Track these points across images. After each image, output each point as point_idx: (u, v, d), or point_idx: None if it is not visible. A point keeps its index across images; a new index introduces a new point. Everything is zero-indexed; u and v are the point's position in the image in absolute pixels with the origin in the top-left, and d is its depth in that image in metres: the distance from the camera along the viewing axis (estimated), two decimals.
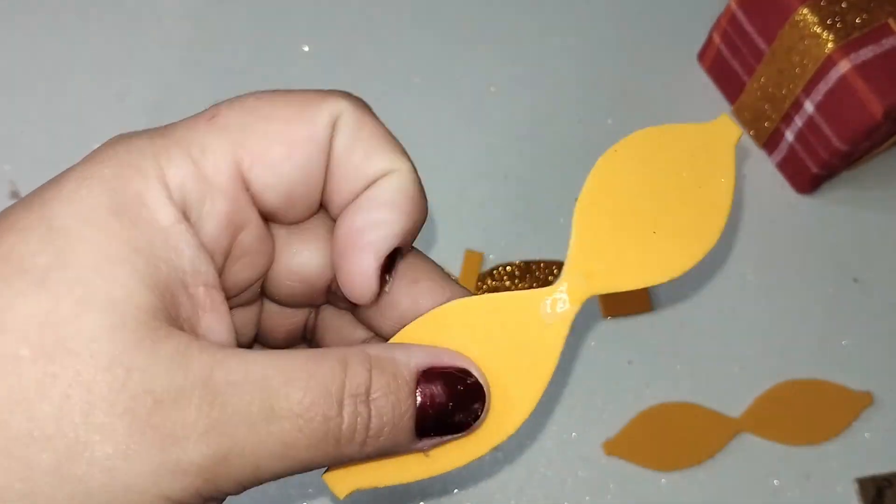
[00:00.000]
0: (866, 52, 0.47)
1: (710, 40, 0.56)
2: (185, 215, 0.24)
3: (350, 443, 0.24)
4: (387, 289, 0.26)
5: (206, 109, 0.25)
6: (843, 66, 0.47)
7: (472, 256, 0.51)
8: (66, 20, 0.56)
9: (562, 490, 0.47)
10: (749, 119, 0.55)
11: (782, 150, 0.54)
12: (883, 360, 0.51)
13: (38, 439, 0.20)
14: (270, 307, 0.30)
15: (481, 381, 0.26)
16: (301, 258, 0.28)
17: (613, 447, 0.48)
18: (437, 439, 0.25)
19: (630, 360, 0.50)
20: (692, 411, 0.49)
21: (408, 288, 0.27)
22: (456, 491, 0.47)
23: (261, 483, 0.23)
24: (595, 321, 0.51)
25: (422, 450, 0.26)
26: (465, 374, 0.25)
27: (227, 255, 0.25)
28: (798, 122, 0.51)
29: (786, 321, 0.52)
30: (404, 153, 0.26)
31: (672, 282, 0.53)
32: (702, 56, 0.57)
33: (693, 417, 0.49)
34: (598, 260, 0.27)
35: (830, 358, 0.51)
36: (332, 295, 0.29)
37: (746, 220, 0.54)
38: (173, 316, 0.23)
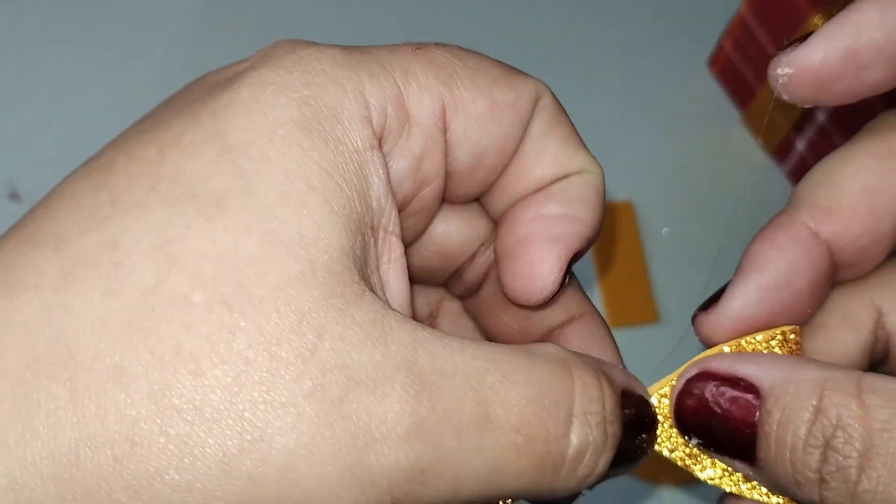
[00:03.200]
0: None
1: (720, 47, 0.55)
2: (380, 143, 0.20)
3: (570, 474, 0.19)
4: (562, 292, 0.23)
5: (406, 43, 0.22)
6: None
7: None
8: (68, 20, 0.56)
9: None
10: (759, 127, 0.54)
11: (793, 159, 0.53)
12: None
13: (207, 417, 0.16)
14: None
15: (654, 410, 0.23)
16: (446, 227, 0.24)
17: None
18: (621, 469, 0.22)
19: (635, 371, 0.50)
20: None
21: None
22: None
23: None
24: None
25: (601, 478, 0.23)
26: (646, 402, 0.24)
27: (405, 206, 0.22)
28: (809, 131, 0.51)
29: None
30: (587, 152, 0.24)
31: (677, 292, 0.52)
32: (712, 62, 0.57)
33: None
34: None
35: None
36: (454, 279, 0.26)
37: (755, 229, 0.53)
38: (361, 265, 0.18)
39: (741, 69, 0.54)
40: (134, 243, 0.17)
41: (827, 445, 0.19)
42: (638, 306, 0.50)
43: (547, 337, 0.24)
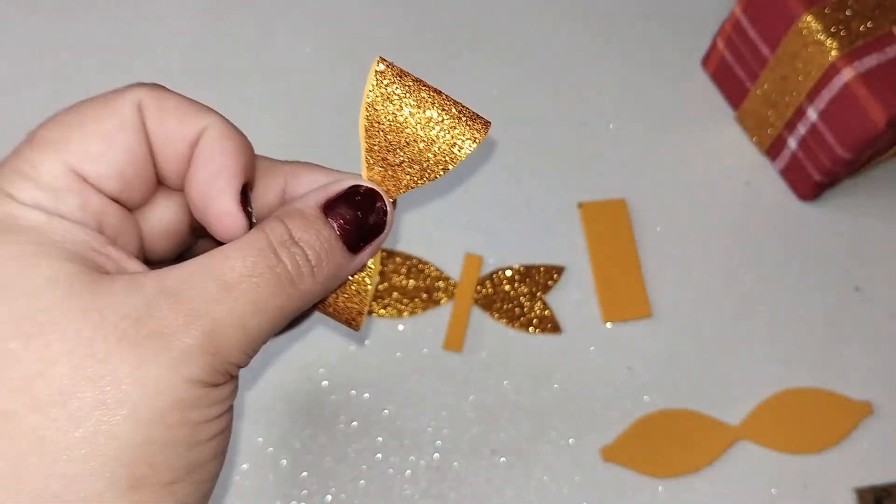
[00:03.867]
0: (870, 61, 0.47)
1: (713, 46, 0.55)
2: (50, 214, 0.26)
3: (301, 276, 0.27)
4: (254, 219, 0.29)
5: (25, 139, 0.28)
6: (847, 74, 0.47)
7: (472, 260, 0.51)
8: (69, 19, 0.56)
9: (559, 496, 0.47)
10: (752, 125, 0.55)
11: (785, 157, 0.54)
12: (883, 369, 0.51)
13: (65, 392, 0.23)
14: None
15: (370, 185, 0.30)
16: (164, 220, 0.30)
17: (611, 453, 0.48)
18: (369, 248, 0.30)
19: (629, 366, 0.50)
20: (690, 418, 0.49)
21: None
22: (454, 496, 0.47)
23: (261, 342, 0.27)
24: (595, 327, 0.51)
25: (363, 263, 0.30)
26: (356, 188, 0.30)
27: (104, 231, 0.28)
28: (801, 129, 0.51)
29: (786, 329, 0.51)
30: (209, 109, 0.29)
31: (671, 288, 0.53)
32: (706, 62, 0.57)
33: (691, 424, 0.48)
34: None
35: (831, 367, 0.51)
36: (198, 231, 0.32)
37: (748, 226, 0.54)
38: (104, 272, 0.26)
39: (734, 68, 0.54)
40: None
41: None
42: (632, 301, 0.51)
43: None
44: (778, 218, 0.54)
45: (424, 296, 0.50)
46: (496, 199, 0.53)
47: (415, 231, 0.52)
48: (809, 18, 0.48)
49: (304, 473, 0.47)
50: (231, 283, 0.26)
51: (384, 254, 0.31)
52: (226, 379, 0.26)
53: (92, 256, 0.26)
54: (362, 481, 0.47)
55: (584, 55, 0.58)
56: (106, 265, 0.26)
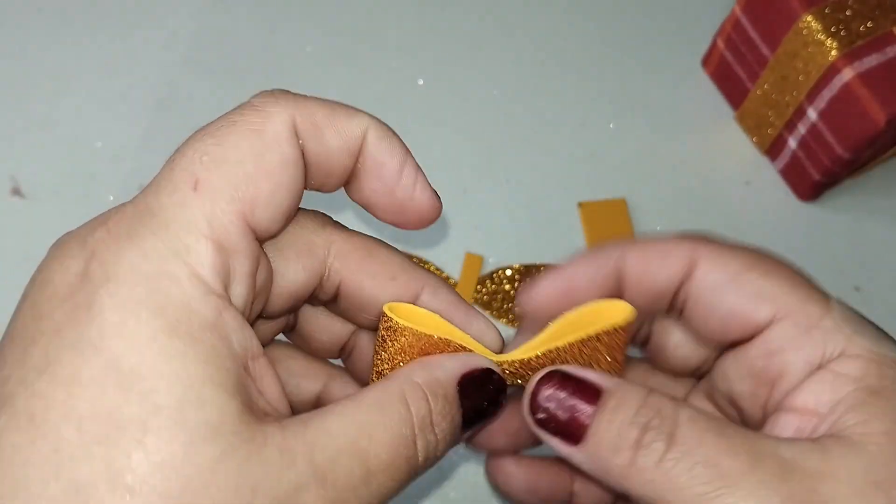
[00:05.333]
0: (870, 61, 0.47)
1: (714, 46, 0.56)
2: (225, 292, 0.24)
3: (424, 468, 0.27)
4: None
5: (173, 171, 0.25)
6: (847, 74, 0.47)
7: (472, 259, 0.51)
8: (70, 20, 0.57)
9: None
10: (752, 125, 0.55)
11: (785, 156, 0.54)
12: None
13: None
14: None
15: (501, 374, 0.29)
16: (287, 277, 0.29)
17: None
18: (474, 429, 0.29)
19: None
20: None
21: (385, 284, 0.30)
22: (453, 495, 0.47)
23: None
24: None
25: (463, 440, 0.29)
26: (490, 372, 0.29)
27: (252, 304, 0.26)
28: (801, 129, 0.51)
29: None
30: (356, 109, 0.28)
31: None
32: (706, 61, 0.57)
33: None
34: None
35: None
36: (312, 299, 0.31)
37: (748, 226, 0.54)
38: (252, 406, 0.24)
39: (734, 68, 0.54)
40: (94, 483, 0.21)
41: (646, 426, 0.26)
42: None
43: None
44: (778, 218, 0.54)
45: None
46: (496, 198, 0.53)
47: (415, 230, 0.52)
48: (809, 18, 0.48)
49: None
50: (373, 472, 0.25)
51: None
52: None
53: (245, 382, 0.24)
54: None
55: (584, 55, 0.58)
56: (252, 391, 0.24)
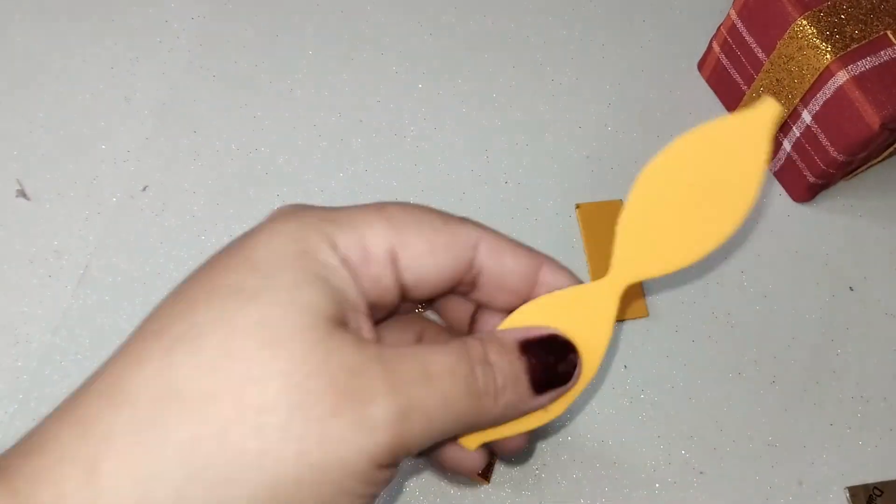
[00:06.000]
0: (864, 64, 0.48)
1: (709, 49, 0.56)
2: (349, 267, 0.30)
3: (486, 395, 0.30)
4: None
5: (375, 203, 0.32)
6: (841, 77, 0.47)
7: None
8: (75, 22, 0.57)
9: (556, 492, 0.47)
10: None
11: (780, 159, 0.54)
12: (877, 368, 0.51)
13: (266, 406, 0.25)
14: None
15: (566, 338, 0.32)
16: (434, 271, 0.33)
17: None
18: (551, 393, 0.32)
19: (625, 364, 0.51)
20: None
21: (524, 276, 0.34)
22: (453, 492, 0.47)
23: (433, 440, 0.28)
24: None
25: (542, 405, 0.32)
26: (554, 337, 0.32)
27: (378, 301, 0.31)
28: (796, 131, 0.52)
29: (781, 328, 0.52)
30: (537, 252, 0.34)
31: (667, 287, 0.53)
32: (701, 65, 0.58)
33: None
34: (637, 253, 0.33)
35: (825, 365, 0.51)
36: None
37: (743, 227, 0.54)
38: (345, 325, 0.28)
39: (730, 71, 0.55)
40: (211, 323, 0.27)
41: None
42: (629, 301, 0.52)
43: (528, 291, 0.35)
44: (772, 219, 0.55)
45: None
46: (495, 200, 0.54)
47: None
48: (804, 22, 0.48)
49: None
50: (433, 374, 0.28)
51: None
52: (393, 463, 0.28)
53: (345, 311, 0.29)
54: None
55: (581, 58, 0.59)
56: (350, 322, 0.29)
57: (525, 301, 0.34)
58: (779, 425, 0.50)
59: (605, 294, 0.33)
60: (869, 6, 0.49)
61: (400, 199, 0.53)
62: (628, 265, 0.33)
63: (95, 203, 0.52)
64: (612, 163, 0.56)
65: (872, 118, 0.47)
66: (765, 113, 0.31)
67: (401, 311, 0.35)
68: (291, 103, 0.56)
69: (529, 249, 0.34)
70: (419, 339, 0.37)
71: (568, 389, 0.33)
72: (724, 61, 0.55)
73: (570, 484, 0.48)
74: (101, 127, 0.54)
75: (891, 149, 0.52)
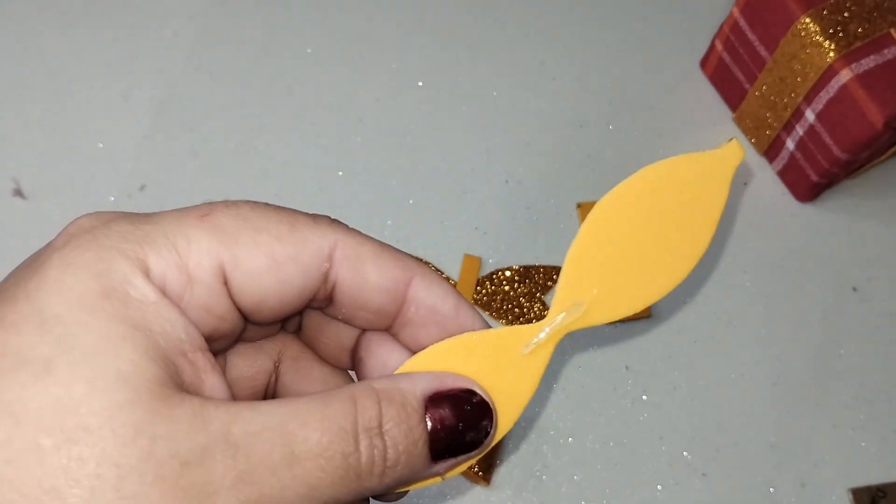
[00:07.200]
0: (868, 62, 0.48)
1: (712, 47, 0.56)
2: (169, 297, 0.24)
3: (370, 475, 0.24)
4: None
5: (199, 205, 0.26)
6: (845, 76, 0.47)
7: (471, 261, 0.51)
8: (72, 21, 0.57)
9: (557, 494, 0.47)
10: (750, 127, 0.55)
11: (783, 158, 0.54)
12: (881, 369, 0.51)
13: None
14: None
15: (486, 398, 0.27)
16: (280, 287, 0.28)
17: None
18: (451, 461, 0.26)
19: (627, 365, 0.50)
20: None
21: (428, 315, 0.29)
22: (453, 494, 0.47)
23: None
24: (593, 327, 0.51)
25: (438, 473, 0.27)
26: (471, 393, 0.27)
27: (214, 333, 0.26)
28: (799, 130, 0.51)
29: (784, 329, 0.52)
30: (412, 258, 0.28)
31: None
32: (704, 63, 0.57)
33: None
34: (582, 295, 0.29)
35: (828, 366, 0.51)
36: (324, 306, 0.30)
37: (746, 227, 0.54)
38: (178, 383, 0.23)
39: (732, 70, 0.55)
40: None
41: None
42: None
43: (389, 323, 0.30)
44: (776, 219, 0.54)
45: None
46: (495, 199, 0.54)
47: (414, 231, 0.52)
48: (808, 20, 0.48)
49: None
50: (297, 456, 0.23)
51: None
52: None
53: (177, 361, 0.24)
54: None
55: (583, 56, 0.58)
56: (185, 373, 0.24)
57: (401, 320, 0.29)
58: (781, 427, 0.50)
59: (539, 343, 0.29)
60: (873, 4, 0.49)
61: (400, 198, 0.52)
62: (570, 313, 0.29)
63: (92, 202, 0.51)
64: (614, 162, 0.55)
65: (876, 117, 0.47)
66: (730, 157, 0.30)
67: (253, 336, 0.30)
68: (290, 102, 0.55)
69: (400, 257, 0.29)
70: (276, 366, 0.31)
71: (470, 459, 0.27)
72: (727, 59, 0.55)
73: (572, 486, 0.47)
74: (98, 125, 0.54)
75: (895, 147, 0.52)
